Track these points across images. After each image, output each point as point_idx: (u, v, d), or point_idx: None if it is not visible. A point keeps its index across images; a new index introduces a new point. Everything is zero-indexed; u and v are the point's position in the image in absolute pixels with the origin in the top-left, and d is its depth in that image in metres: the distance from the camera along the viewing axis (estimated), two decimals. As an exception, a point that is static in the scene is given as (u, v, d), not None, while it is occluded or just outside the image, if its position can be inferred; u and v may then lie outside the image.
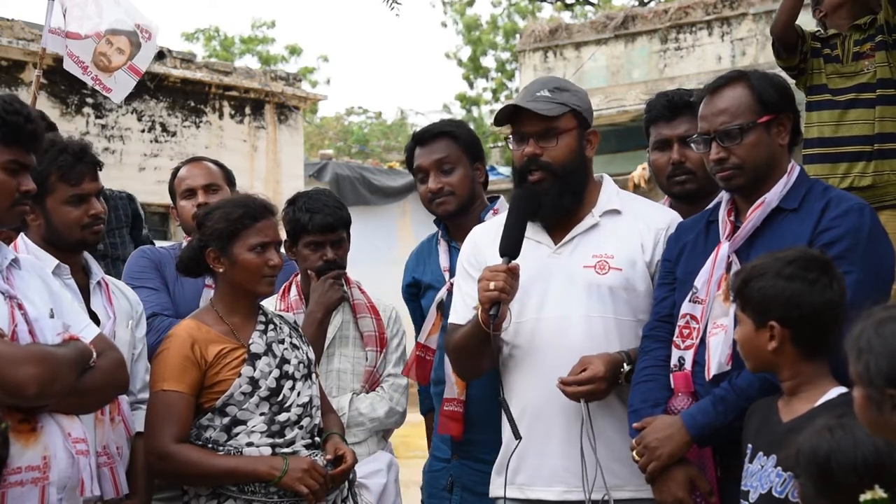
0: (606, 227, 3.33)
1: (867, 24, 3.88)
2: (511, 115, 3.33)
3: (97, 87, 5.92)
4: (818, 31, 4.01)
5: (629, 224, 3.33)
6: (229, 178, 4.34)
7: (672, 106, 3.68)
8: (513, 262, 3.14)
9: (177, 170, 4.36)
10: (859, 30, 3.87)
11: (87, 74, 5.84)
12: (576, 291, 3.26)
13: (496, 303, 3.10)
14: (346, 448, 3.40)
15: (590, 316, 3.24)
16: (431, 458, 3.94)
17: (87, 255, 3.51)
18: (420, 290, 4.00)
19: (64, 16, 5.75)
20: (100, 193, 3.47)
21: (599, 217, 3.34)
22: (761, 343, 2.71)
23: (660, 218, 3.37)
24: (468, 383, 3.61)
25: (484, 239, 3.45)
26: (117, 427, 3.24)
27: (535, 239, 3.35)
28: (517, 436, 3.13)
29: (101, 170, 3.53)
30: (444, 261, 3.86)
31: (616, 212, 3.35)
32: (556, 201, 3.30)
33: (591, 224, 3.33)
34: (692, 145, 3.21)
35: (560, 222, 3.34)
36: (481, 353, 3.28)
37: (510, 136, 3.38)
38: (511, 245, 3.18)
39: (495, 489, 3.36)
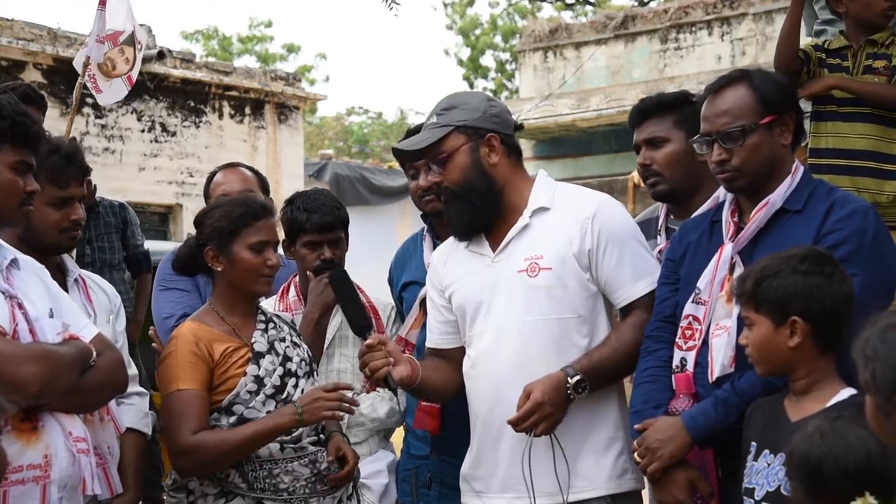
0: (537, 227, 3.30)
1: (884, 42, 3.81)
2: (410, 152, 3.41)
3: (90, 86, 5.97)
4: (824, 42, 3.95)
5: (557, 219, 3.30)
6: (264, 184, 4.37)
7: (639, 111, 3.71)
8: (371, 334, 3.29)
9: (212, 174, 4.39)
10: (874, 44, 3.81)
11: (87, 72, 5.90)
12: (513, 298, 3.26)
13: (386, 376, 3.19)
14: (348, 448, 3.41)
15: (526, 321, 3.23)
16: (405, 455, 3.94)
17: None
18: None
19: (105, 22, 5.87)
20: (83, 199, 3.45)
21: (530, 217, 3.31)
22: (780, 341, 2.69)
23: (585, 206, 3.30)
24: None
25: (439, 259, 3.51)
26: (107, 426, 3.23)
27: (477, 251, 3.37)
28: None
29: (88, 176, 3.52)
30: (428, 257, 3.85)
31: (545, 209, 3.32)
32: (458, 219, 3.33)
33: (523, 226, 3.31)
34: (695, 146, 3.19)
35: (497, 229, 3.34)
36: (431, 393, 3.46)
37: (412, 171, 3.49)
38: (358, 322, 3.33)
39: (462, 497, 3.42)
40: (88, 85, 6.04)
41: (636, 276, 3.25)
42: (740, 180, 3.04)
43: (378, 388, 3.85)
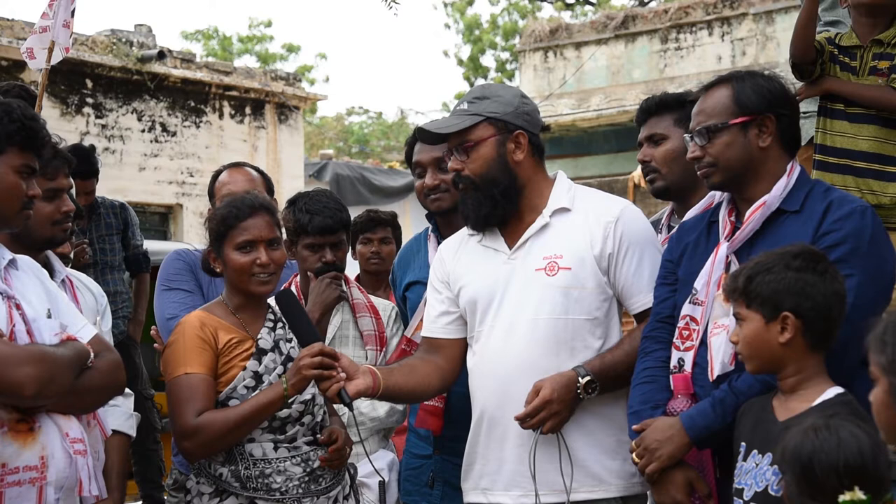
0: (556, 227, 3.30)
1: (890, 41, 3.80)
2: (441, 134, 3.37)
3: (25, 56, 5.69)
4: (836, 35, 3.94)
5: (578, 220, 3.30)
6: (269, 185, 4.38)
7: (643, 109, 3.80)
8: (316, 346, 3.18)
9: (217, 173, 4.40)
10: (880, 44, 3.81)
11: (50, 56, 5.68)
12: (528, 295, 3.26)
13: (339, 391, 3.14)
14: (341, 432, 3.38)
15: (539, 319, 3.22)
16: (407, 454, 3.94)
17: (49, 252, 3.50)
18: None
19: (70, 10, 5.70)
20: (69, 191, 3.46)
21: (550, 217, 3.31)
22: (771, 337, 2.69)
23: (609, 210, 3.32)
24: None
25: (448, 251, 3.49)
26: (93, 430, 3.23)
27: (491, 247, 3.37)
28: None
29: (71, 169, 3.50)
30: (433, 257, 3.85)
31: (566, 209, 3.32)
32: (473, 210, 3.32)
33: (542, 225, 3.31)
34: (688, 143, 3.21)
35: (514, 227, 3.34)
36: (401, 399, 3.55)
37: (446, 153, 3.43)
38: (305, 338, 3.23)
39: (465, 496, 3.40)
40: (25, 57, 5.78)
41: (653, 283, 3.26)
42: (714, 176, 3.09)
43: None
